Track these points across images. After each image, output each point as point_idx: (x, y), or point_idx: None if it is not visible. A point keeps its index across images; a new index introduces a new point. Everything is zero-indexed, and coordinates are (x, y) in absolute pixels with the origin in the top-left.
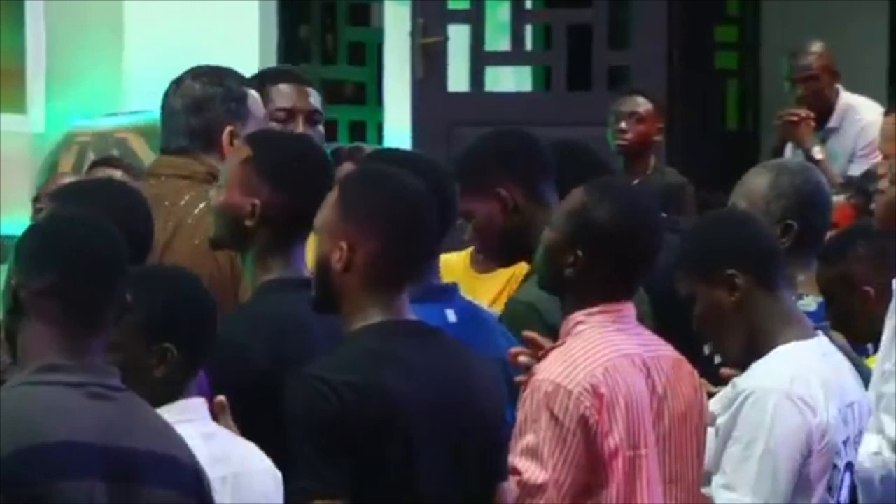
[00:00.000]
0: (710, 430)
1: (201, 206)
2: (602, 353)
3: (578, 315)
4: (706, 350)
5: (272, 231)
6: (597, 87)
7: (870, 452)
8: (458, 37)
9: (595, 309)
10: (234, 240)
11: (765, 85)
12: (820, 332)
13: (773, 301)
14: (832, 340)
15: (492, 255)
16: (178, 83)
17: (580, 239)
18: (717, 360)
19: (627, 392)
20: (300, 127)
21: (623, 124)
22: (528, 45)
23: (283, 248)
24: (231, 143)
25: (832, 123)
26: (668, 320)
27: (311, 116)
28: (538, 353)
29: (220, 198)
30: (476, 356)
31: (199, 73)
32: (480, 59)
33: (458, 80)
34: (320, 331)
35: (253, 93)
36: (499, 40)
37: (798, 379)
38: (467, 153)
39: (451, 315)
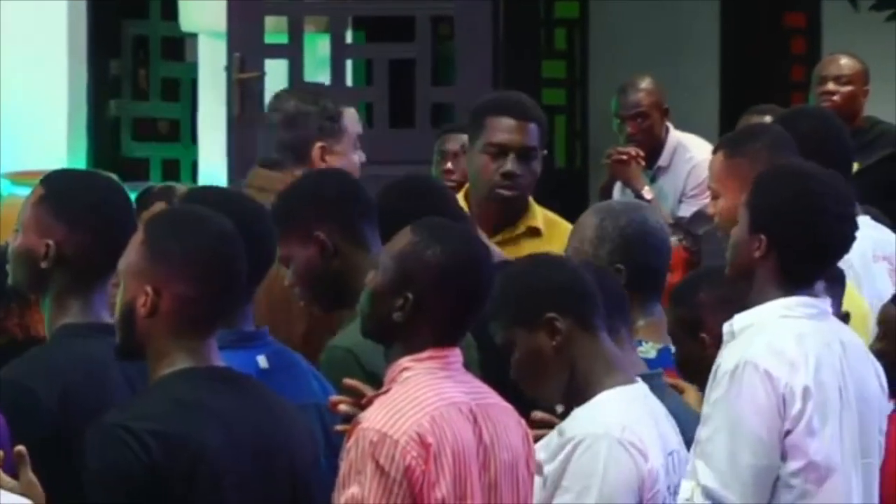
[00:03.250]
0: (538, 480)
1: None
2: (429, 402)
3: (405, 361)
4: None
5: (70, 273)
6: (420, 125)
7: (682, 499)
8: (276, 72)
9: (423, 355)
10: (32, 283)
11: (593, 122)
12: (638, 378)
13: (595, 344)
14: (655, 386)
15: (313, 301)
16: (276, 98)
17: (411, 281)
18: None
19: (454, 441)
20: (508, 164)
21: (449, 164)
22: (349, 81)
23: (82, 290)
24: (322, 159)
25: (662, 162)
26: (495, 367)
27: (525, 153)
28: (360, 401)
29: (16, 241)
30: (288, 403)
31: (296, 90)
32: None
33: None
34: (120, 377)
35: (350, 111)
36: (318, 75)
37: (629, 424)
38: (284, 195)
39: (262, 361)
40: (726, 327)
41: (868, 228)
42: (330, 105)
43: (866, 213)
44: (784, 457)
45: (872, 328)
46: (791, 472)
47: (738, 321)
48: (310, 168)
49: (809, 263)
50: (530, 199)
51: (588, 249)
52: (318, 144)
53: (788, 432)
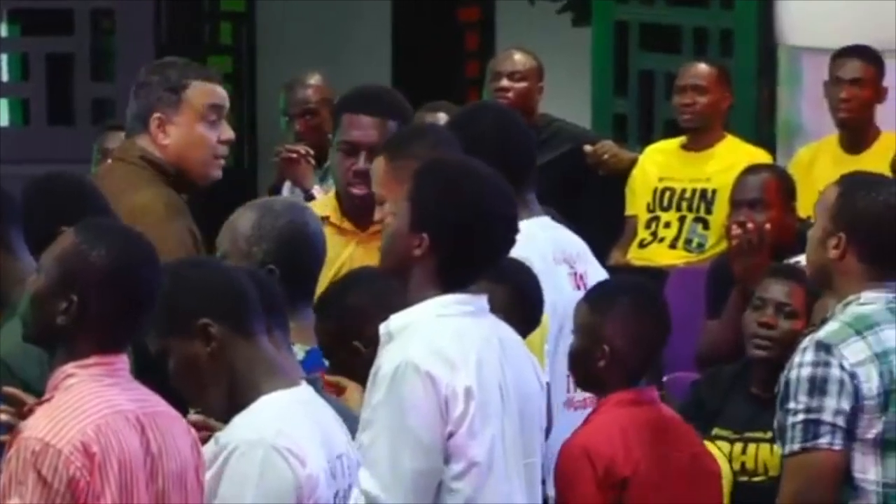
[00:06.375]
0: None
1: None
2: (94, 409)
3: (69, 367)
4: None
5: None
6: (80, 122)
7: None
8: None
9: (89, 361)
10: None
11: (261, 119)
12: (302, 381)
13: (253, 349)
14: (317, 389)
15: None
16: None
17: (75, 283)
18: None
19: (120, 451)
20: (360, 162)
21: (111, 162)
22: (5, 76)
23: None
24: (160, 129)
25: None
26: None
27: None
28: (21, 410)
29: None
30: None
31: (156, 61)
32: None
33: None
34: None
35: (200, 85)
36: None
37: (286, 429)
38: None
39: None
40: (382, 328)
41: (548, 230)
42: (174, 76)
43: (546, 213)
44: (447, 459)
45: (553, 328)
46: (453, 475)
47: (395, 321)
48: (150, 138)
49: (470, 265)
50: None
51: (243, 246)
52: (156, 115)
53: (451, 434)
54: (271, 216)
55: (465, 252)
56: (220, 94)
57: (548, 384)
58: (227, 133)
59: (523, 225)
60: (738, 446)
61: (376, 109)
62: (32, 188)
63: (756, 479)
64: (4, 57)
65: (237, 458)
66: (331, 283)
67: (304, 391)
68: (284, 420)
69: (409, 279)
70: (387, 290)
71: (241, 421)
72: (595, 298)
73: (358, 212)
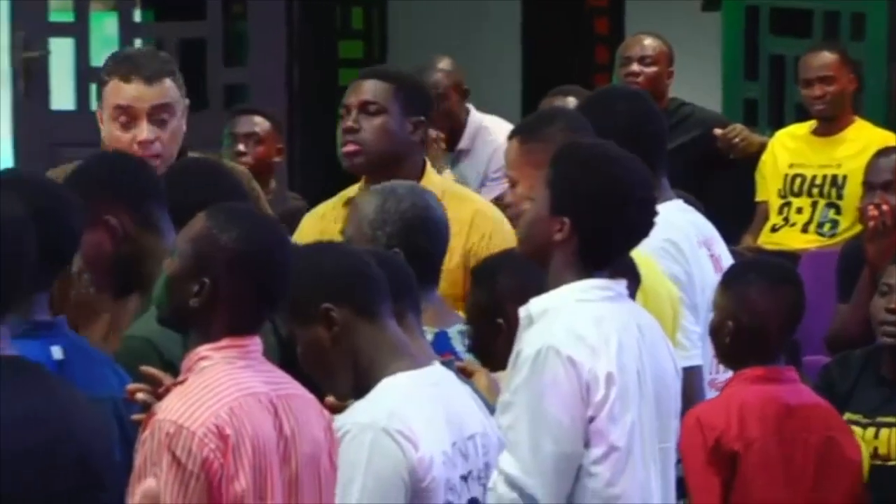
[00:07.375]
0: None
1: None
2: (227, 392)
3: (203, 350)
4: None
5: None
6: (213, 106)
7: (488, 488)
8: (62, 51)
9: (221, 343)
10: None
11: None
12: (435, 361)
13: (377, 331)
14: (453, 369)
15: (104, 287)
16: None
17: (207, 266)
18: None
19: (254, 434)
20: (348, 121)
21: (241, 146)
22: None
23: None
24: (103, 125)
25: (463, 144)
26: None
27: (363, 107)
28: (158, 390)
29: None
30: (80, 394)
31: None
32: (86, 75)
33: (62, 97)
34: None
35: (112, 83)
36: (105, 56)
37: (398, 411)
38: (71, 177)
39: (56, 352)
40: (523, 311)
41: (684, 213)
42: (103, 73)
43: (679, 196)
44: (587, 444)
45: (703, 311)
46: (593, 459)
47: (535, 305)
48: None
49: (610, 248)
50: (429, 169)
51: (367, 231)
52: (97, 111)
53: (592, 419)
54: (394, 200)
55: (605, 235)
56: (133, 93)
57: (700, 367)
58: (142, 134)
59: (659, 208)
60: (871, 431)
61: (366, 72)
62: (168, 172)
63: (890, 463)
64: (138, 42)
65: (348, 441)
66: (490, 256)
67: (434, 372)
68: (400, 402)
69: (548, 263)
70: (538, 273)
71: (358, 404)
72: (726, 276)
73: (367, 181)
